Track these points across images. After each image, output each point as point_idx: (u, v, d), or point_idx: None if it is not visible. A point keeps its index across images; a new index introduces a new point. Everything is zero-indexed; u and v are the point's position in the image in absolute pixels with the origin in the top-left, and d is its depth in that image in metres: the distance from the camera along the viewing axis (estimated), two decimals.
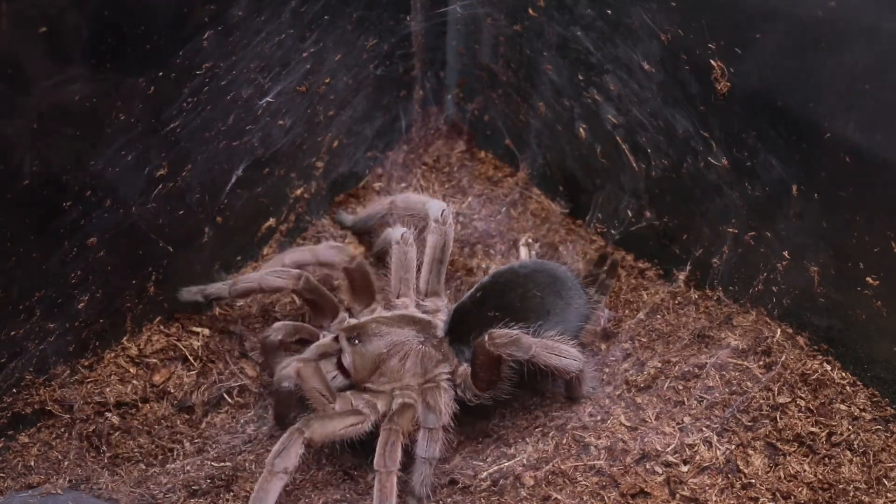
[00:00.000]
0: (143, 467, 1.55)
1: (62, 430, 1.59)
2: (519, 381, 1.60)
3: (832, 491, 1.42)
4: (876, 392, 1.54)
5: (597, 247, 1.90)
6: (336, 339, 1.63)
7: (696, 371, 1.59)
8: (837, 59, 1.41)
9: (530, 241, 1.93)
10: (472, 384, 1.61)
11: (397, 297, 1.76)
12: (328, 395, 1.56)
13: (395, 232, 1.76)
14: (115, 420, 1.61)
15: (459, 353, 1.66)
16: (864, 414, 1.51)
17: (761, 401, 1.53)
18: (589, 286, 1.74)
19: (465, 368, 1.63)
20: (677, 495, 1.42)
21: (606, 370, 1.66)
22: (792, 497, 1.42)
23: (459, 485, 1.50)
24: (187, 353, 1.69)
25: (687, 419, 1.52)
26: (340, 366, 1.62)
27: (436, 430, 1.53)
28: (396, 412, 1.55)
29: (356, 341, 1.62)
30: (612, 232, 1.89)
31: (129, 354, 1.68)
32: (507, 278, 1.71)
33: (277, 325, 1.64)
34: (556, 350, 1.54)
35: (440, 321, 1.72)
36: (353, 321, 1.70)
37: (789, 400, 1.53)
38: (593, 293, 1.73)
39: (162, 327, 1.73)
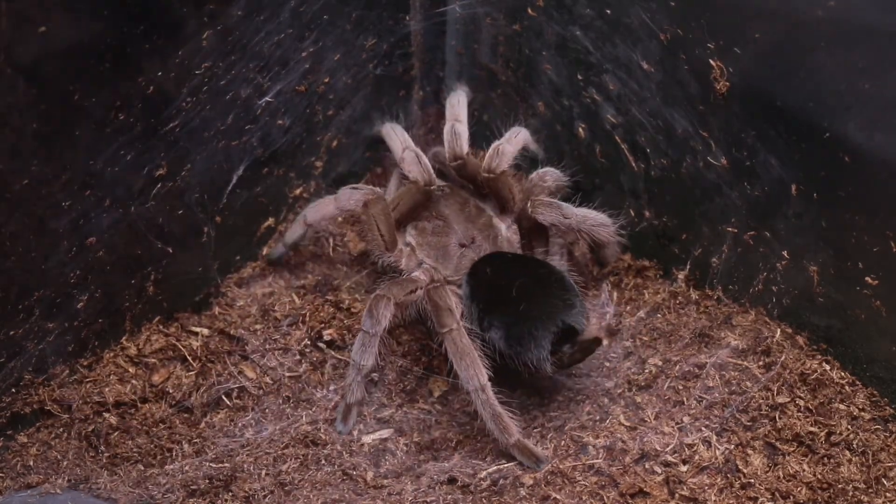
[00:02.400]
0: (142, 467, 1.55)
1: (61, 429, 1.59)
2: (516, 378, 1.60)
3: (831, 490, 1.42)
4: (875, 392, 1.54)
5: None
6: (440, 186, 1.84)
7: (696, 371, 1.59)
8: (837, 59, 1.41)
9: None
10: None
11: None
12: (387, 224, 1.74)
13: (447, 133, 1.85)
14: (114, 420, 1.60)
15: (463, 282, 1.68)
16: (863, 413, 1.51)
17: (761, 401, 1.53)
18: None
19: (451, 291, 1.67)
20: (676, 495, 1.42)
21: (607, 364, 1.66)
22: (791, 497, 1.41)
23: (458, 483, 1.50)
24: (186, 354, 1.68)
25: (686, 419, 1.52)
26: None
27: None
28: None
29: (438, 191, 1.82)
30: None
31: (129, 354, 1.67)
32: (528, 266, 1.68)
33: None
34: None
35: (503, 239, 1.77)
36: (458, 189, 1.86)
37: (788, 400, 1.53)
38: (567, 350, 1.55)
39: (161, 327, 1.72)
